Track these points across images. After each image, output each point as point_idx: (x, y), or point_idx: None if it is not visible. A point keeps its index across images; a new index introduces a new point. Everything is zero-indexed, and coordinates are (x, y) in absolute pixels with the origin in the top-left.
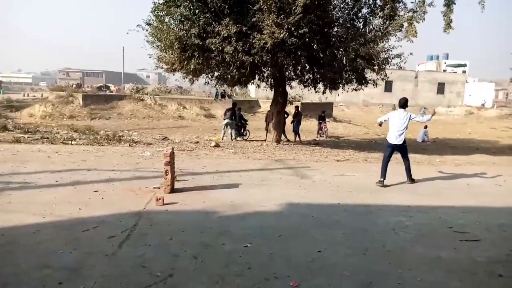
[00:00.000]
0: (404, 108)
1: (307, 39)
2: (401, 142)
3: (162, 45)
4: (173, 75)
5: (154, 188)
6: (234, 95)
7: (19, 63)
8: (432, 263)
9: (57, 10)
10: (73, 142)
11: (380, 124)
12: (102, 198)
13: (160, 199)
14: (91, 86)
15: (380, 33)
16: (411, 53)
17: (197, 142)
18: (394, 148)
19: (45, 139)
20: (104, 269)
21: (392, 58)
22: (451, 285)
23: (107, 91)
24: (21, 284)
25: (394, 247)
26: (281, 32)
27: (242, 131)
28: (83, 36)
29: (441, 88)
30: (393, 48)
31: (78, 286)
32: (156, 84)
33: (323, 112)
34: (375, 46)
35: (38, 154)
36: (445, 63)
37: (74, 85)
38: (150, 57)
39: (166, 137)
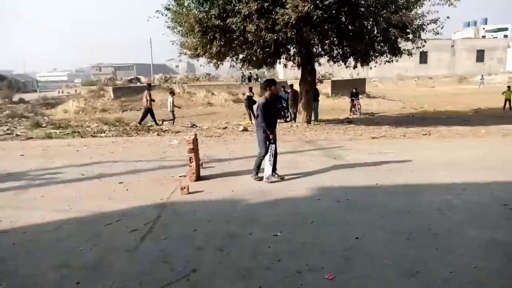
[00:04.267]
0: None
1: (334, 11)
2: None
3: (183, 30)
4: (197, 60)
5: (180, 176)
6: (262, 77)
7: (54, 62)
8: (487, 247)
9: (89, 7)
10: (102, 135)
11: None
12: (127, 190)
13: (184, 188)
14: (122, 79)
15: None
16: (448, 17)
17: (225, 128)
18: None
19: (76, 133)
20: (124, 266)
21: (428, 24)
22: None
23: (138, 83)
24: (37, 286)
25: (441, 230)
26: (305, 5)
27: (282, 113)
28: (113, 31)
29: (480, 56)
30: (427, 13)
31: (96, 285)
32: (184, 73)
33: (355, 89)
34: (408, 13)
35: (67, 148)
36: (483, 28)
37: (107, 80)
38: (172, 44)
39: (194, 124)
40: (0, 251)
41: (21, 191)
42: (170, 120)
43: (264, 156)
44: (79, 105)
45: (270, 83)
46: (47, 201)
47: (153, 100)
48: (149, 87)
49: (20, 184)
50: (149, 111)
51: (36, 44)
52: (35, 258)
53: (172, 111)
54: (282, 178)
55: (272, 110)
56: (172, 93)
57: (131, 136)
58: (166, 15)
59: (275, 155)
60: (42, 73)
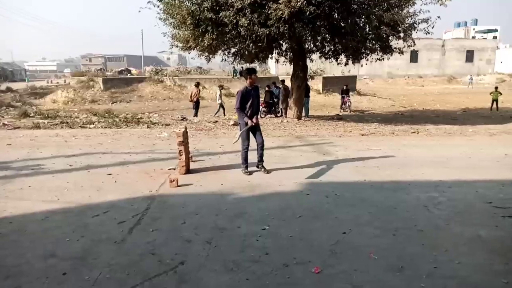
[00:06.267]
0: None
1: (327, 7)
2: None
3: (175, 22)
4: (189, 53)
5: (170, 169)
6: None
7: (43, 52)
8: (471, 243)
9: None
10: (91, 126)
11: None
12: (115, 182)
13: (174, 180)
14: (112, 71)
15: None
16: (438, 17)
17: (216, 122)
18: None
19: (64, 124)
20: (111, 258)
21: (419, 23)
22: (495, 268)
23: (128, 74)
24: (23, 276)
25: (427, 226)
26: (298, 0)
27: (273, 108)
28: (104, 21)
29: (470, 56)
30: (419, 12)
31: (83, 276)
32: (176, 65)
33: (346, 86)
34: (400, 12)
35: (55, 138)
36: (474, 29)
37: (97, 70)
38: (164, 36)
39: (184, 118)
40: None
41: (7, 181)
42: (216, 114)
43: (247, 148)
44: (68, 96)
45: (250, 72)
46: (34, 192)
47: (193, 101)
48: (198, 85)
49: (6, 174)
50: (197, 103)
51: (24, 32)
52: (21, 248)
53: (221, 103)
54: (268, 172)
55: (254, 101)
56: (221, 86)
57: (121, 127)
58: (158, 6)
59: (261, 147)
60: (30, 62)
